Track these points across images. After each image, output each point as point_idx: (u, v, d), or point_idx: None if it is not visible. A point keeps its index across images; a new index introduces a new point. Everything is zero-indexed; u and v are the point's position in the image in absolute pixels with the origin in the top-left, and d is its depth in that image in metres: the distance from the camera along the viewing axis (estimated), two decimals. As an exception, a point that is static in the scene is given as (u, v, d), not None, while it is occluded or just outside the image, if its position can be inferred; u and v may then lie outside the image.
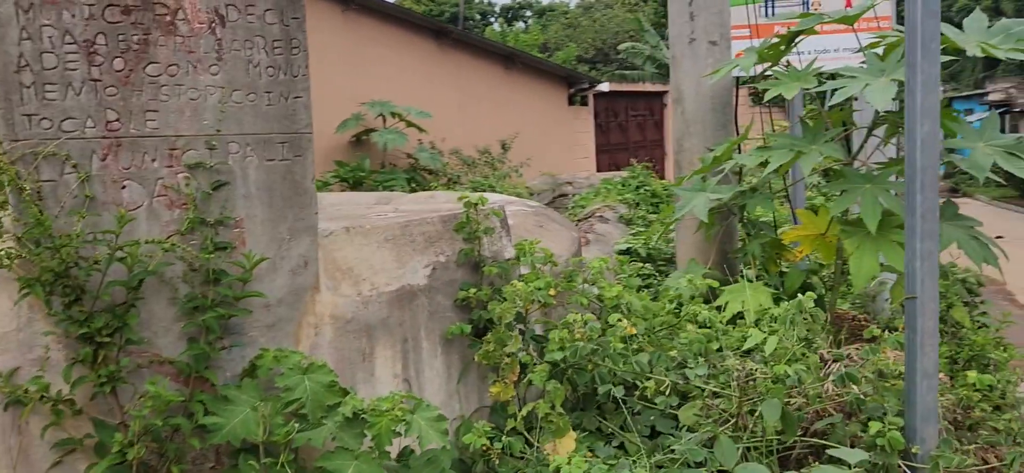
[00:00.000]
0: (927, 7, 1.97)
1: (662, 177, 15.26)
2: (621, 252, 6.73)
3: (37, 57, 1.90)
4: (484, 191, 10.99)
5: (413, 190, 10.79)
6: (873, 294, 5.02)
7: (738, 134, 4.75)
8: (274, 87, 2.17)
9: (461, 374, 2.66)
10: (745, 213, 4.44)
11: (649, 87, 18.27)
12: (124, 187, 2.00)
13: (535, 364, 2.54)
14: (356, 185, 10.69)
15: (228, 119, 2.11)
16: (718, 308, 3.90)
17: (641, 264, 5.16)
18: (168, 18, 2.02)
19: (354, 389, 2.14)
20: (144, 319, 2.01)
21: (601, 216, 8.31)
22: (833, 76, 3.87)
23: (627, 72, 23.63)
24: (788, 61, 4.49)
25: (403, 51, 12.29)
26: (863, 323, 4.59)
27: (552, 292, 2.70)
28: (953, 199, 3.85)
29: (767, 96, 4.05)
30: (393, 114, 11.16)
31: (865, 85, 3.52)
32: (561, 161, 14.51)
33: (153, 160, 2.03)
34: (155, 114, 2.02)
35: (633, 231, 7.80)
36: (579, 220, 8.69)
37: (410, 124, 11.24)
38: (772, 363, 2.42)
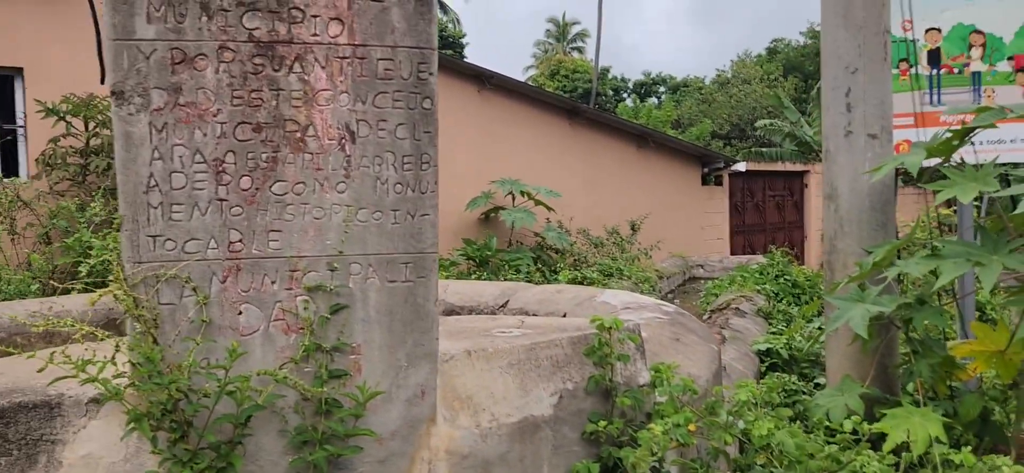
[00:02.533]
0: None
1: (801, 262, 14.45)
2: (760, 352, 6.26)
3: (166, 177, 1.86)
4: (611, 274, 10.77)
5: (540, 270, 10.66)
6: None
7: (897, 233, 4.30)
8: (401, 205, 2.05)
9: (587, 515, 2.40)
10: (911, 328, 3.95)
11: (788, 167, 17.52)
12: (241, 312, 1.92)
13: (672, 516, 2.25)
14: (482, 264, 10.70)
15: (352, 239, 2.00)
16: (875, 437, 3.45)
17: (785, 377, 4.72)
18: (298, 135, 1.95)
19: (470, 536, 1.93)
20: (251, 452, 1.90)
21: (737, 308, 7.83)
22: (1011, 177, 3.42)
23: (764, 149, 22.83)
24: (961, 156, 4.05)
25: (535, 129, 12.36)
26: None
27: (691, 428, 2.40)
28: None
29: (938, 199, 3.63)
30: (522, 193, 11.18)
31: (1058, 191, 3.08)
32: (693, 242, 14.03)
33: (273, 282, 1.94)
34: (278, 234, 1.94)
35: (772, 328, 7.28)
36: (712, 311, 8.24)
37: (539, 203, 11.20)
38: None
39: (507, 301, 4.96)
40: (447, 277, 9.42)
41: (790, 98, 24.01)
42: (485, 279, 9.26)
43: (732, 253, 15.08)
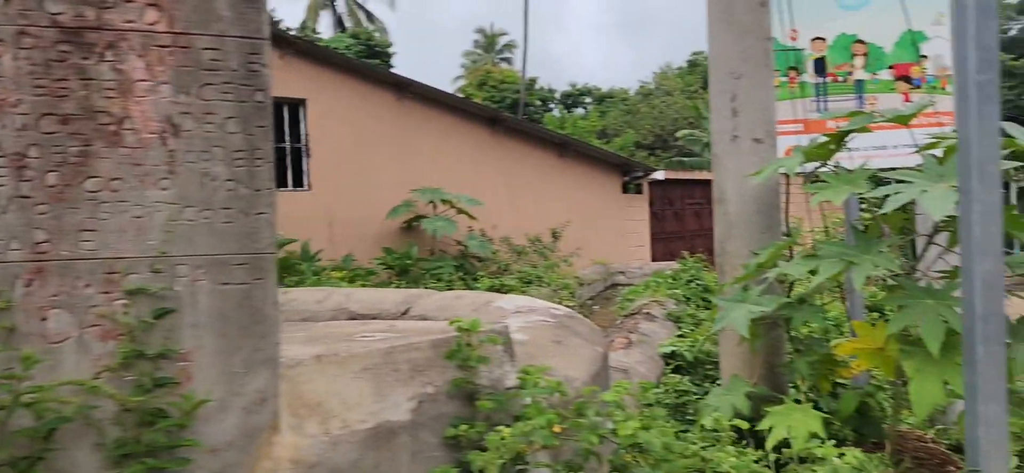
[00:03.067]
0: (984, 121, 1.60)
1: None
2: (665, 355, 6.32)
3: (-39, 174, 1.72)
4: (531, 281, 10.77)
5: (461, 278, 10.58)
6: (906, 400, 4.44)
7: (788, 233, 4.38)
8: (233, 203, 1.95)
9: (448, 523, 2.33)
10: (792, 326, 4.03)
11: (706, 175, 17.89)
12: (47, 318, 1.78)
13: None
14: (403, 273, 10.56)
15: (178, 239, 1.89)
16: (759, 434, 3.49)
17: (678, 378, 4.75)
18: (113, 128, 1.82)
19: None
20: (62, 468, 1.77)
21: (648, 313, 7.90)
22: (887, 180, 3.52)
23: (686, 159, 23.35)
24: (838, 160, 4.15)
25: (455, 138, 12.30)
26: (929, 447, 4.09)
27: (556, 429, 2.36)
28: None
29: (814, 200, 3.71)
30: (444, 201, 11.09)
31: (922, 191, 3.16)
32: (614, 250, 14.17)
33: (87, 286, 1.81)
34: (92, 234, 1.81)
35: (681, 331, 7.37)
36: (625, 316, 8.29)
37: (461, 211, 11.13)
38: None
39: (408, 308, 4.87)
40: (364, 285, 9.25)
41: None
42: (404, 288, 9.12)
43: (653, 260, 15.29)
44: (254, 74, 1.94)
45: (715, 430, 3.48)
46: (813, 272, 3.73)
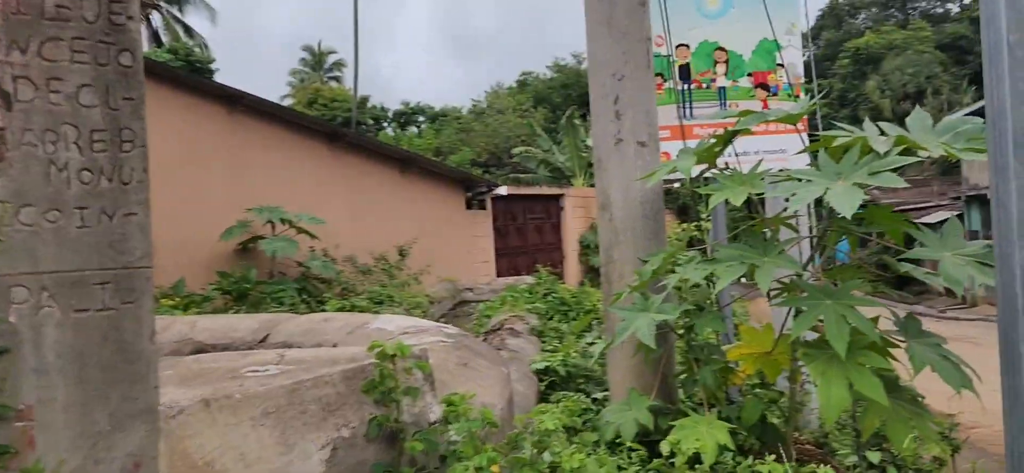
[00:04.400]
0: (1018, 88, 1.41)
1: (562, 281, 14.88)
2: (539, 371, 6.09)
3: None
4: (383, 301, 10.24)
5: (305, 301, 9.87)
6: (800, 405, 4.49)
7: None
8: (91, 200, 1.44)
9: None
10: (692, 335, 3.90)
11: (546, 190, 18.12)
12: None
13: None
14: (240, 298, 9.69)
15: (12, 250, 1.36)
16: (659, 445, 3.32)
17: (574, 397, 4.52)
18: (-90, 98, 1.27)
19: None
20: None
21: (511, 328, 7.67)
22: (783, 179, 3.48)
23: (521, 176, 23.59)
24: (726, 162, 4.11)
25: (293, 155, 11.53)
26: (803, 447, 4.11)
27: (495, 469, 2.00)
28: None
29: (712, 202, 3.61)
30: (283, 221, 10.30)
31: (826, 188, 3.12)
32: (461, 266, 13.88)
33: None
34: None
35: (547, 346, 7.18)
36: (487, 332, 8.02)
37: (301, 231, 10.39)
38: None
39: (267, 335, 4.29)
40: (200, 313, 8.33)
41: (541, 127, 25.06)
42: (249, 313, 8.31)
43: (498, 275, 15.18)
44: (118, 29, 1.44)
45: (616, 444, 3.30)
46: (711, 277, 3.63)
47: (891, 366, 3.31)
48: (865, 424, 3.74)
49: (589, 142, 22.46)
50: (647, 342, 3.51)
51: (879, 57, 35.92)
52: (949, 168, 24.82)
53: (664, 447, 3.30)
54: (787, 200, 3.34)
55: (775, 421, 3.91)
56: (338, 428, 1.86)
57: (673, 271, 3.78)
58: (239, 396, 1.78)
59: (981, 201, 21.41)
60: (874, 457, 3.99)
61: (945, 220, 3.55)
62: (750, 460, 3.36)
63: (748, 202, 3.57)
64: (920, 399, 3.49)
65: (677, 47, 5.66)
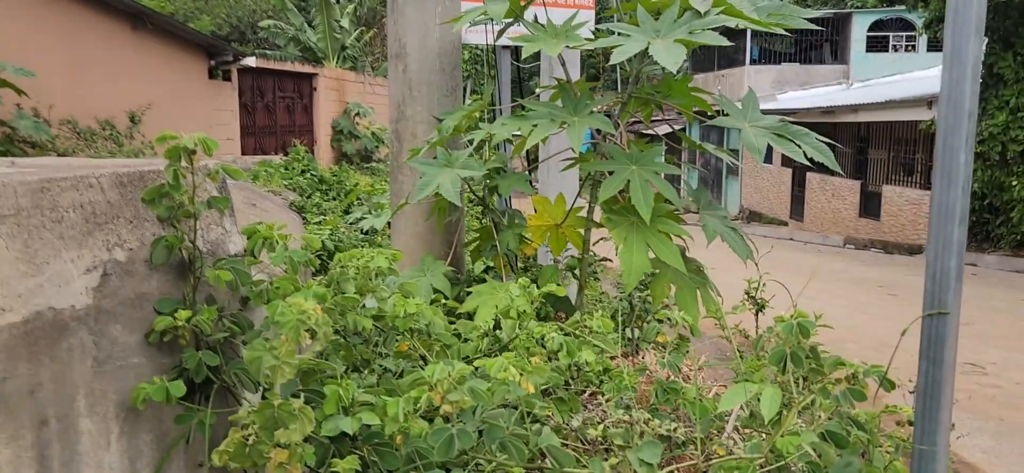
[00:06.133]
0: None
1: (315, 165, 14.15)
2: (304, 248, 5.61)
3: None
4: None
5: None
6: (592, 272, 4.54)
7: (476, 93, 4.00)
8: None
9: None
10: (496, 196, 3.68)
11: (298, 68, 16.90)
12: None
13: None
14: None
15: None
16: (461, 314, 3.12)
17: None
18: None
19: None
20: None
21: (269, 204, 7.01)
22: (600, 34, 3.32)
23: (269, 52, 21.79)
24: (536, 14, 3.87)
25: (-9, -9, 9.45)
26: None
27: (318, 310, 1.61)
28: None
29: (525, 52, 3.37)
30: (-26, 68, 8.45)
31: (648, 44, 3.00)
32: (202, 141, 12.53)
33: None
34: None
35: (311, 220, 6.66)
36: (239, 208, 7.26)
37: (4, 83, 8.58)
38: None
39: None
40: None
41: (293, 2, 23.26)
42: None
43: (243, 154, 13.99)
44: None
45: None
46: (521, 134, 3.43)
47: (685, 235, 3.34)
48: (656, 291, 3.79)
49: (344, 23, 21.26)
50: (452, 199, 3.24)
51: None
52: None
53: (469, 309, 3.09)
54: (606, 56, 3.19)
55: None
56: (109, 248, 1.35)
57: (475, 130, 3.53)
58: (-41, 193, 1.20)
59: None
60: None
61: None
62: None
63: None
64: (703, 269, 3.59)
65: None
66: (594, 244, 3.76)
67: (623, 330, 3.71)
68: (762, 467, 1.35)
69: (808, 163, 3.28)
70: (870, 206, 17.86)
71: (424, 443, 1.34)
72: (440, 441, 1.32)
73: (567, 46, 3.40)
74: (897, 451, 1.54)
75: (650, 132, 19.39)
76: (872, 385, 1.50)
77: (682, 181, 17.13)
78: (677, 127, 18.98)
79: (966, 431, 6.18)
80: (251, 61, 14.31)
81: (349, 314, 1.74)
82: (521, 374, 1.44)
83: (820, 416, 1.44)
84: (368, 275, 1.93)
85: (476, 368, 1.53)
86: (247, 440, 1.27)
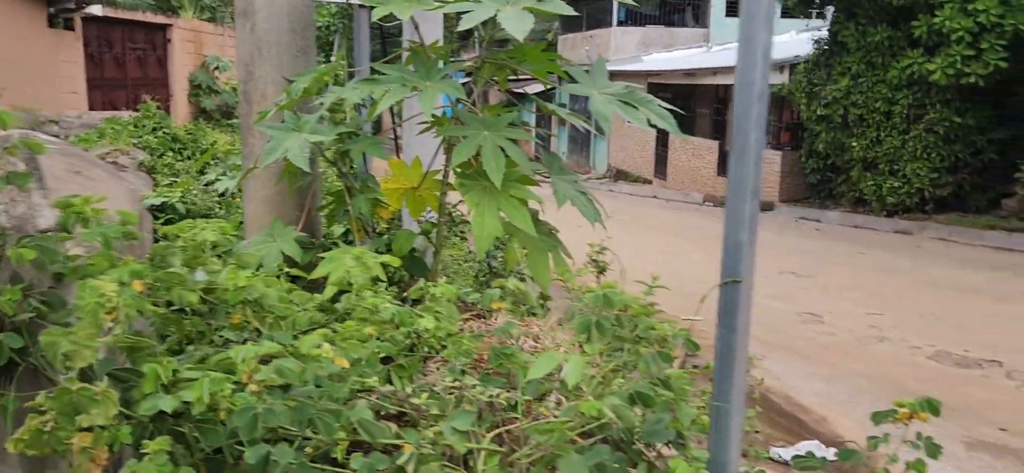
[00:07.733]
0: None
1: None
2: (154, 208, 5.33)
3: None
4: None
5: None
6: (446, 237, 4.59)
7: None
8: None
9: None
10: (347, 161, 3.64)
11: (151, 18, 15.84)
12: None
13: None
14: None
15: None
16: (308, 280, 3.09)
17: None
18: None
19: None
20: None
21: (115, 162, 6.59)
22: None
23: (118, 0, 20.25)
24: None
25: None
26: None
27: (138, 286, 1.56)
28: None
29: (375, 15, 3.33)
30: None
31: (496, 11, 3.03)
32: (41, 95, 11.58)
33: None
34: None
35: (165, 182, 6.33)
36: (82, 169, 6.78)
37: None
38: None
39: None
40: None
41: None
42: None
43: (91, 109, 13.04)
44: None
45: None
46: (373, 98, 3.39)
47: (537, 199, 3.42)
48: (508, 255, 3.88)
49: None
50: (300, 164, 3.17)
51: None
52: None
53: (319, 275, 3.06)
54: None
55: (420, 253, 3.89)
56: None
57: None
58: None
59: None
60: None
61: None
62: (396, 290, 3.29)
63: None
64: (555, 232, 3.69)
65: None
66: (454, 206, 3.80)
67: (482, 291, 3.77)
68: (574, 429, 1.44)
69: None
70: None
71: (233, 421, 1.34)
72: (244, 420, 1.33)
73: (421, 9, 3.38)
74: (707, 407, 1.66)
75: (521, 91, 19.57)
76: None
77: (551, 143, 17.40)
78: (549, 86, 19.21)
79: (801, 376, 6.73)
80: (97, 9, 13.28)
81: (174, 289, 1.69)
82: (334, 347, 1.45)
83: (632, 378, 1.55)
84: (200, 248, 1.88)
85: (294, 344, 1.53)
86: (45, 426, 1.22)
